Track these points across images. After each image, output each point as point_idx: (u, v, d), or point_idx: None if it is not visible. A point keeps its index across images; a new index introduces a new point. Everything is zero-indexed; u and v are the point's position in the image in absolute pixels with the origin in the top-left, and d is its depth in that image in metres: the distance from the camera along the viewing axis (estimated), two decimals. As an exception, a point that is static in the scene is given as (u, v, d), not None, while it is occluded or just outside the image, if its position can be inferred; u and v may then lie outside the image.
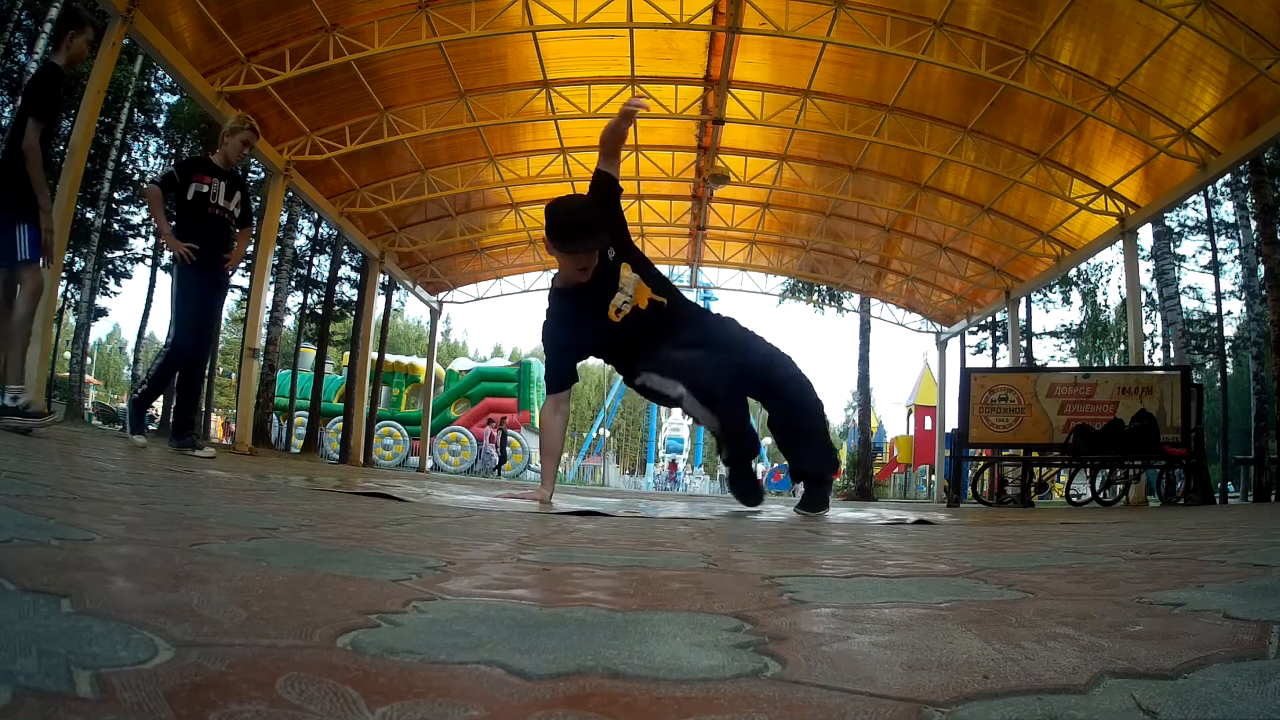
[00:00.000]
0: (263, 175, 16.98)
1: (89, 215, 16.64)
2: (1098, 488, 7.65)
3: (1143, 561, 1.31)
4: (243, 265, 22.44)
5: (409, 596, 0.70)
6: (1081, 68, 8.21)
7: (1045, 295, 22.93)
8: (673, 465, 32.94)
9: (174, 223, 4.50)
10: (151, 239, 20.37)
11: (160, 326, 62.88)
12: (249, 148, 4.68)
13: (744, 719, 0.43)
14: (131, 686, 0.39)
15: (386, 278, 15.18)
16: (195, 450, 4.35)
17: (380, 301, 18.01)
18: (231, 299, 23.85)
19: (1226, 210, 19.21)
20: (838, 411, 48.77)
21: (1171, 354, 17.30)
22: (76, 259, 17.54)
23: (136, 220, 19.59)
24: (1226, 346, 20.89)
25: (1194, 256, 21.76)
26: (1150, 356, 19.86)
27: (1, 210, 3.67)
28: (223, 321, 5.14)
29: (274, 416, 18.23)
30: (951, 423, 10.36)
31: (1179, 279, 18.01)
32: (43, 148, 3.73)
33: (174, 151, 20.95)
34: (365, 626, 0.57)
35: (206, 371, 5.14)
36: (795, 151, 11.30)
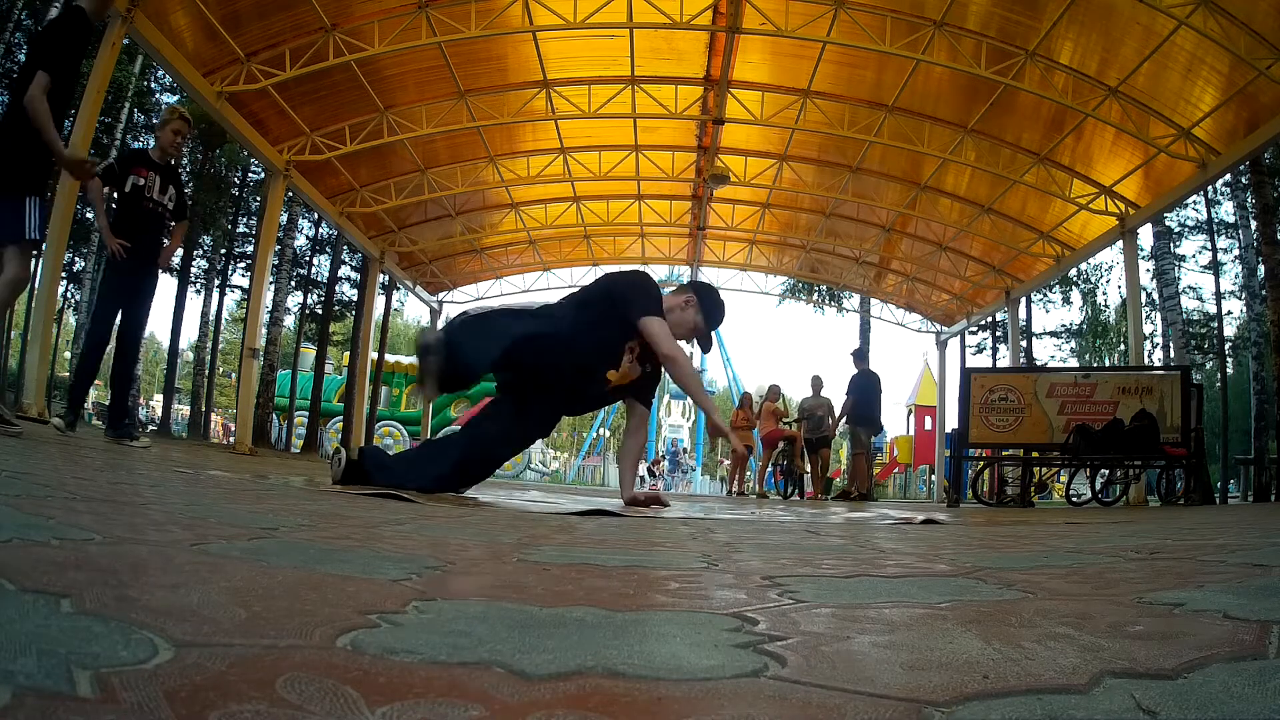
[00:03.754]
0: (263, 175, 17.01)
1: (89, 215, 16.65)
2: (1098, 488, 7.65)
3: (1143, 561, 1.31)
4: (242, 265, 22.49)
5: (409, 596, 0.70)
6: (1081, 68, 8.21)
7: (1045, 295, 22.95)
8: (656, 462, 32.12)
9: (112, 215, 4.47)
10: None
11: (160, 326, 62.75)
12: (182, 137, 4.60)
13: (744, 719, 0.43)
14: (131, 686, 0.39)
15: (386, 278, 15.18)
16: (131, 440, 4.29)
17: (380, 301, 18.01)
18: (231, 299, 23.99)
19: (1226, 210, 19.24)
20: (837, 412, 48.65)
21: (1171, 354, 17.32)
22: (76, 259, 17.55)
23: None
24: (1226, 346, 20.89)
25: (1194, 256, 21.80)
26: (1150, 356, 19.88)
27: (6, 179, 3.32)
28: (149, 314, 5.15)
29: (274, 416, 18.24)
30: (951, 423, 10.36)
31: (1179, 279, 18.03)
32: (55, 108, 3.32)
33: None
34: (365, 626, 0.56)
35: (139, 361, 5.19)
36: (795, 151, 11.31)
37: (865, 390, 9.95)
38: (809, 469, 10.62)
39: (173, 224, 4.63)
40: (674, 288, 3.38)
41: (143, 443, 4.35)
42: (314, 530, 1.22)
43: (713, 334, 3.33)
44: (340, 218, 11.56)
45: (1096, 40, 7.85)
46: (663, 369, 3.27)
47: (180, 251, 5.78)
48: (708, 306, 3.22)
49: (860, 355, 10.41)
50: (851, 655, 0.58)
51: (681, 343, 3.18)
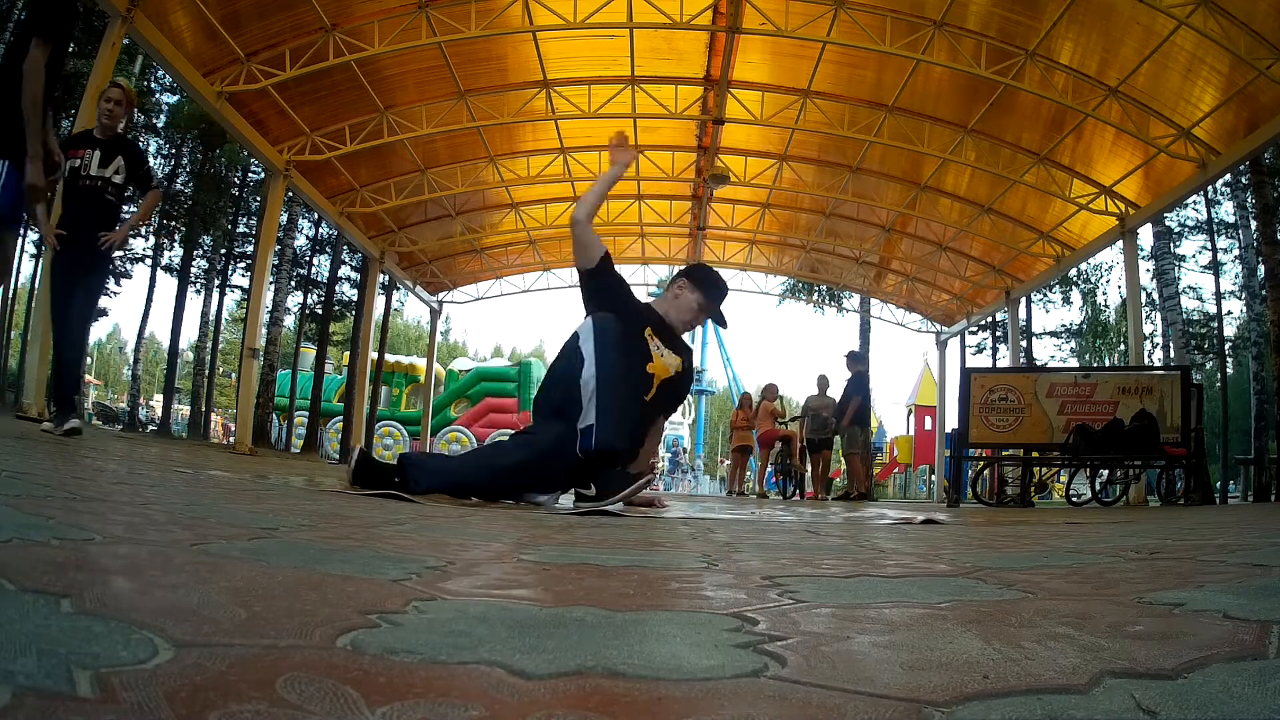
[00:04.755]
0: (263, 175, 17.00)
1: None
2: (1098, 488, 7.65)
3: (1143, 561, 1.31)
4: (242, 265, 22.47)
5: (409, 596, 0.70)
6: (1081, 68, 8.21)
7: (1045, 295, 22.95)
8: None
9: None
10: (151, 239, 20.41)
11: (161, 326, 62.68)
12: (115, 105, 4.29)
13: (744, 719, 0.43)
14: (131, 686, 0.39)
15: (386, 278, 15.18)
16: (56, 427, 3.99)
17: (380, 301, 18.02)
18: (231, 299, 23.99)
19: (1226, 210, 19.25)
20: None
21: (1171, 354, 17.32)
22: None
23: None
24: (1226, 346, 20.90)
25: (1194, 256, 21.82)
26: (1150, 356, 19.88)
27: None
28: (98, 295, 4.43)
29: (274, 416, 18.24)
30: (951, 423, 10.36)
31: (1179, 279, 18.03)
32: (48, 82, 3.09)
33: (174, 151, 20.98)
34: (365, 626, 0.56)
35: (85, 348, 4.78)
36: (795, 151, 11.31)
37: (866, 391, 10.03)
38: (809, 469, 10.63)
39: (117, 199, 4.31)
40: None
41: (70, 424, 4.00)
42: (314, 530, 1.22)
43: (722, 309, 3.17)
44: (340, 218, 11.56)
45: (1096, 40, 7.85)
46: (692, 367, 3.23)
47: (140, 228, 5.25)
48: (702, 283, 3.12)
49: (857, 358, 10.47)
50: (851, 655, 0.58)
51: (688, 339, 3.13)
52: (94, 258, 4.23)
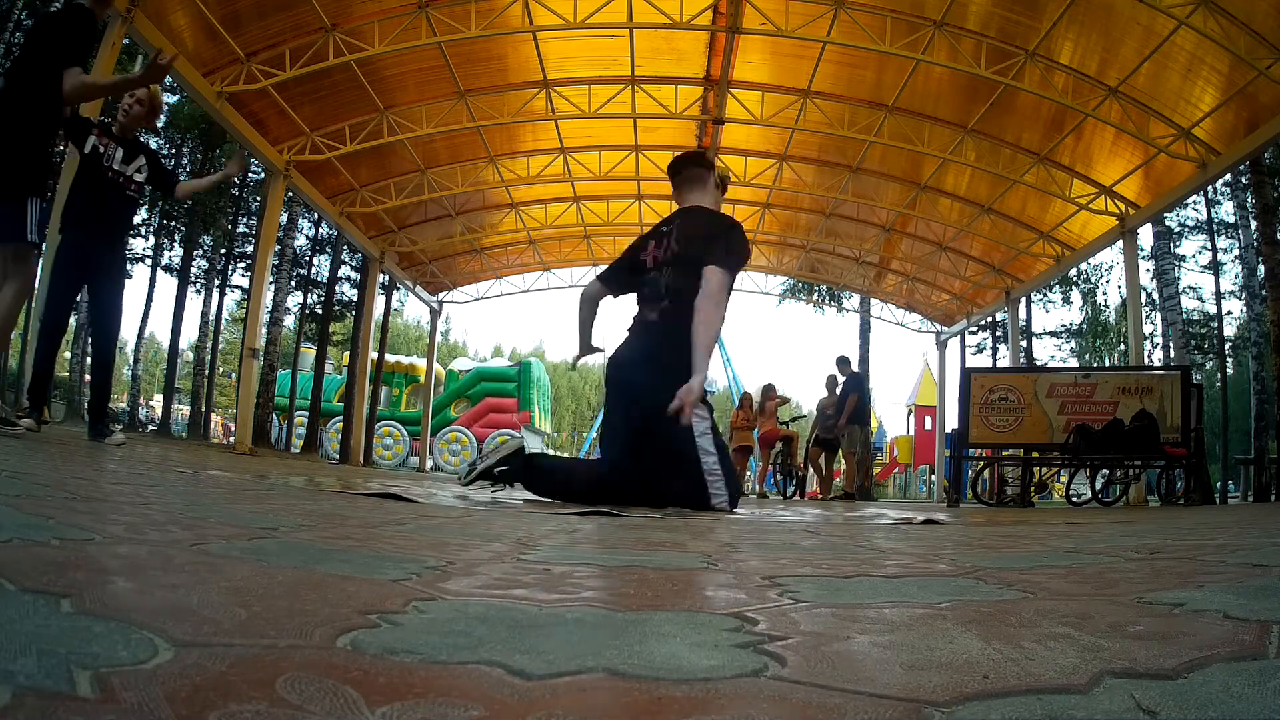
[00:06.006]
0: (263, 175, 17.00)
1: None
2: (1098, 488, 7.65)
3: (1143, 561, 1.31)
4: (242, 265, 22.42)
5: (409, 596, 0.70)
6: (1081, 68, 8.21)
7: (1045, 295, 22.96)
8: None
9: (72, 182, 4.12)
10: (151, 239, 20.40)
11: (160, 326, 62.63)
12: (138, 104, 4.18)
13: (744, 719, 0.43)
14: (131, 686, 0.39)
15: (386, 278, 15.18)
16: (107, 438, 4.06)
17: (380, 301, 18.00)
18: (231, 299, 23.98)
19: (1226, 210, 19.25)
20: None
21: (1171, 354, 17.32)
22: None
23: (136, 220, 19.62)
24: (1226, 346, 20.90)
25: (1194, 256, 21.82)
26: (1150, 356, 19.88)
27: (16, 180, 3.26)
28: (122, 299, 4.21)
29: (274, 416, 18.22)
30: (951, 423, 10.36)
31: (1179, 279, 18.03)
32: (50, 106, 3.27)
33: (174, 151, 20.97)
34: (365, 626, 0.56)
35: (115, 361, 4.65)
36: (795, 151, 11.31)
37: (863, 390, 10.09)
38: (809, 469, 10.63)
39: (137, 196, 4.26)
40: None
41: (117, 439, 4.09)
42: (314, 530, 1.22)
43: None
44: (340, 218, 11.56)
45: (1096, 40, 7.85)
46: None
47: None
48: None
49: (846, 362, 10.59)
50: (851, 655, 0.58)
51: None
52: (111, 255, 4.13)
